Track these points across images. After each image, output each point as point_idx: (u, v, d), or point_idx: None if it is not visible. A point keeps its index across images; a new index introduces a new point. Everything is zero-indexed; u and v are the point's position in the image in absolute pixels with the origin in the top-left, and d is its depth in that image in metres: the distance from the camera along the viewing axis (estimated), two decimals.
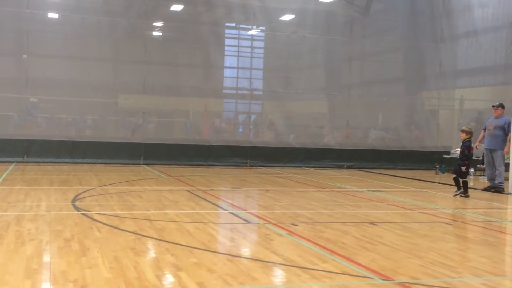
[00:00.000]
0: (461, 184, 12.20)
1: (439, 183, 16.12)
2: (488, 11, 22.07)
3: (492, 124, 13.70)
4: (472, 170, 18.38)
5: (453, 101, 22.65)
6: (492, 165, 13.78)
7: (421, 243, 7.12)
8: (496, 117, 13.73)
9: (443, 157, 19.81)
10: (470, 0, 22.09)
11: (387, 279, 5.33)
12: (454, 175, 12.37)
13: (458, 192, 12.22)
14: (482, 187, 14.54)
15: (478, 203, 11.89)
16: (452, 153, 19.67)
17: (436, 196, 12.99)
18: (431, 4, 22.04)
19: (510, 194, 13.10)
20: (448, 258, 6.33)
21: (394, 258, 6.20)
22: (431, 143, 21.64)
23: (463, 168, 12.04)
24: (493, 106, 13.94)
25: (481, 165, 18.03)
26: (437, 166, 19.00)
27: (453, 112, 22.74)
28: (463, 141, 12.33)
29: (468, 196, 12.18)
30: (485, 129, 14.14)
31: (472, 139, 12.42)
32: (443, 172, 18.83)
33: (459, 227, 8.80)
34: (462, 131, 12.46)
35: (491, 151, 13.74)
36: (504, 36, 22.08)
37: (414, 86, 23.02)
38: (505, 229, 8.90)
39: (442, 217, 9.53)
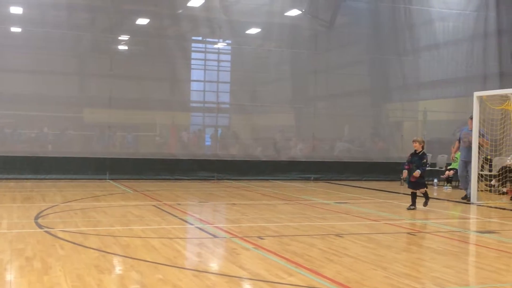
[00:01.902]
0: (419, 195, 12.10)
1: (403, 194, 16.30)
2: (449, 24, 22.60)
3: (467, 136, 13.87)
4: (436, 180, 18.70)
5: (417, 112, 23.05)
6: (466, 176, 13.95)
7: (386, 254, 7.19)
8: (471, 129, 13.88)
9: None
10: (431, 13, 22.57)
11: None
12: (420, 190, 12.12)
13: (415, 204, 12.04)
14: (446, 197, 14.79)
15: (442, 213, 12.09)
16: None
17: (401, 206, 13.14)
18: (394, 17, 22.45)
19: (474, 204, 13.34)
20: (413, 269, 6.41)
21: (359, 270, 6.25)
22: (395, 155, 21.92)
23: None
24: (470, 118, 14.01)
25: (444, 175, 18.39)
26: (402, 178, 19.21)
27: (417, 123, 23.13)
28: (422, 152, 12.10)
29: (414, 208, 11.99)
30: (459, 140, 14.33)
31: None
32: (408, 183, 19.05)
33: (423, 237, 8.92)
34: (416, 141, 12.12)
35: (466, 163, 13.93)
36: (464, 49, 22.66)
37: (378, 98, 23.36)
38: (468, 239, 9.06)
39: (407, 228, 9.65)
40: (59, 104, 19.46)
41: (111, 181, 17.81)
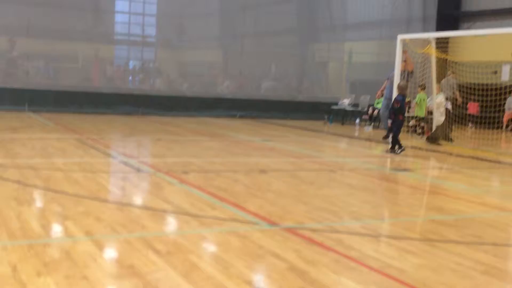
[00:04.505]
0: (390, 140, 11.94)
1: (327, 133, 16.75)
2: None
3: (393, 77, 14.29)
4: (358, 120, 19.26)
5: (342, 53, 23.38)
6: (388, 115, 14.39)
7: (307, 190, 7.42)
8: (403, 70, 14.18)
9: (332, 108, 20.52)
10: None
11: (274, 224, 5.53)
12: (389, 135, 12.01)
13: (400, 150, 11.62)
14: (367, 137, 15.30)
15: (362, 152, 12.53)
16: (340, 104, 20.41)
17: (324, 145, 13.51)
18: None
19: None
20: (332, 204, 6.65)
21: (281, 205, 6.43)
22: (320, 94, 22.33)
23: (389, 122, 11.87)
24: (404, 60, 14.29)
25: (366, 115, 18.97)
26: (326, 117, 19.68)
27: (342, 64, 23.52)
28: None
29: (400, 151, 11.66)
30: (388, 79, 14.73)
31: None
32: (331, 123, 19.57)
33: (343, 174, 9.25)
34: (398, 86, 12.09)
35: (389, 101, 14.34)
36: None
37: (306, 38, 23.47)
38: (384, 176, 9.47)
39: (328, 165, 9.96)
40: None
41: (30, 113, 17.18)
